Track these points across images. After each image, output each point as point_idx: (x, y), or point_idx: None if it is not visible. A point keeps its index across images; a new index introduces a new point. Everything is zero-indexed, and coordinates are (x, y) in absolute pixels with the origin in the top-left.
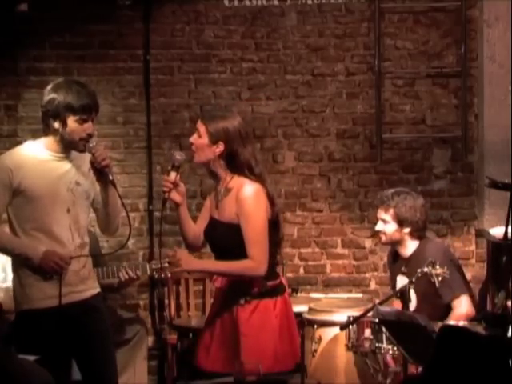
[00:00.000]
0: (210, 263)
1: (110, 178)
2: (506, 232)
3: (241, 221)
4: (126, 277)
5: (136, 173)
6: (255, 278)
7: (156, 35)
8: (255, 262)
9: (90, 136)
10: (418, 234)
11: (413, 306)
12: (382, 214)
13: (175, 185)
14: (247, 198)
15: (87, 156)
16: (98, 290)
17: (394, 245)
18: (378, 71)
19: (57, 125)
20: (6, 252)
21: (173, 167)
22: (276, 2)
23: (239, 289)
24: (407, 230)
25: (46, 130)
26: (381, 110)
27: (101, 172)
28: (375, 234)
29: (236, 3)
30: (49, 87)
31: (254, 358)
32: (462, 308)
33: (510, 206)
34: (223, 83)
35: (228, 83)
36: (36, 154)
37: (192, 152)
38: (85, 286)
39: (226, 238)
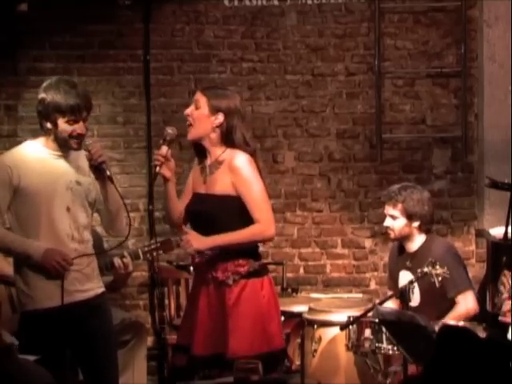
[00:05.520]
0: (220, 237)
1: (108, 173)
2: (506, 232)
3: (240, 189)
4: (121, 264)
5: (136, 173)
6: (267, 240)
7: (156, 35)
8: (263, 224)
9: (80, 135)
10: (426, 227)
11: (416, 300)
12: (390, 210)
13: (166, 159)
14: (243, 165)
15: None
16: (102, 289)
17: (402, 240)
18: (377, 71)
19: (49, 125)
20: (8, 251)
21: (164, 141)
22: (276, 2)
23: (226, 269)
24: (416, 223)
25: (43, 129)
26: (381, 110)
27: (98, 169)
28: (381, 233)
29: (236, 3)
30: (42, 85)
31: (243, 339)
32: (468, 303)
33: (510, 206)
34: (223, 83)
35: (228, 83)
36: (35, 152)
37: (188, 126)
38: (89, 285)
39: (217, 211)
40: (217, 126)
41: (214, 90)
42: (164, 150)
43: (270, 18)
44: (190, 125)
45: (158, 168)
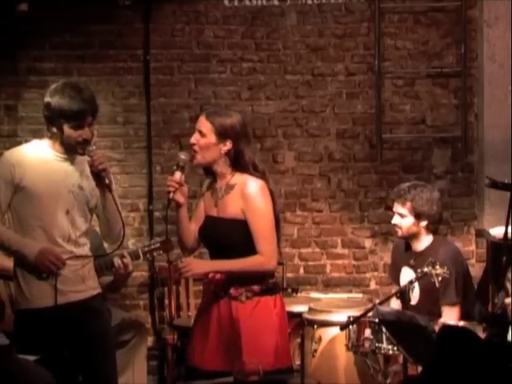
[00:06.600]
0: (221, 263)
1: (106, 182)
2: (506, 232)
3: (248, 217)
4: (121, 263)
5: (136, 173)
6: (266, 272)
7: (156, 35)
8: (265, 257)
9: (86, 141)
10: (434, 226)
11: (415, 298)
12: (398, 208)
13: (180, 185)
14: (254, 193)
15: None
16: (98, 290)
17: (409, 238)
18: (378, 71)
19: (54, 130)
20: (5, 248)
21: (178, 167)
22: (276, 2)
23: (240, 285)
24: (424, 223)
25: (49, 132)
26: (381, 110)
27: (98, 176)
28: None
29: (236, 3)
30: (49, 89)
31: (255, 357)
32: (452, 318)
33: (510, 206)
34: (223, 83)
35: (228, 83)
36: (40, 152)
37: (194, 152)
38: (84, 285)
39: (228, 235)
40: (225, 153)
41: (217, 114)
42: (177, 175)
43: (270, 17)
44: (196, 152)
45: (171, 194)
